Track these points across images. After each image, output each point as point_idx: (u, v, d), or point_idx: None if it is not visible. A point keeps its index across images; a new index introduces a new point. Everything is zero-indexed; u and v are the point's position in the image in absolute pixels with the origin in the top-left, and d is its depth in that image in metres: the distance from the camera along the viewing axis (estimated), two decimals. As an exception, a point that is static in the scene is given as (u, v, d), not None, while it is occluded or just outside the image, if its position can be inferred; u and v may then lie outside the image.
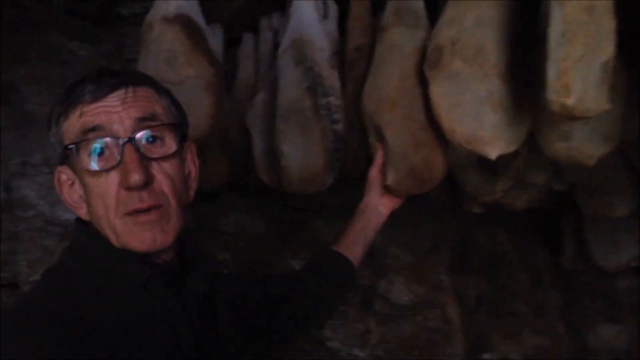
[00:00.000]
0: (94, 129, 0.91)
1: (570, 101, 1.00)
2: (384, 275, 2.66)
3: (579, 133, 1.43)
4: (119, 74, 0.96)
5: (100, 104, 0.92)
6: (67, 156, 0.94)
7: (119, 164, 0.90)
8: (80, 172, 0.94)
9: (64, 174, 0.97)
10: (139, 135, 0.92)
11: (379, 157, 1.47)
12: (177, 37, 1.46)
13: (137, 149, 0.91)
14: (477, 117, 1.27)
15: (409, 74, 1.41)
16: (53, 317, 0.87)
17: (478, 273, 2.87)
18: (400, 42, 1.42)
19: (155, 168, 0.93)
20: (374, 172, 1.49)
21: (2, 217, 1.78)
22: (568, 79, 0.99)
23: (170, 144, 0.95)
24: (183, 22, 1.47)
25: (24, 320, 0.88)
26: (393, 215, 1.73)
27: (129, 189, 0.90)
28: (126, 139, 0.91)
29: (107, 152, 0.91)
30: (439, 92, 1.32)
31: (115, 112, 0.92)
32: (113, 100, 0.92)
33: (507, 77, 1.25)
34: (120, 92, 0.93)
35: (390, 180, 1.42)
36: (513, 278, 2.99)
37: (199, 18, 1.51)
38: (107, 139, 0.91)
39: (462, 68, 1.27)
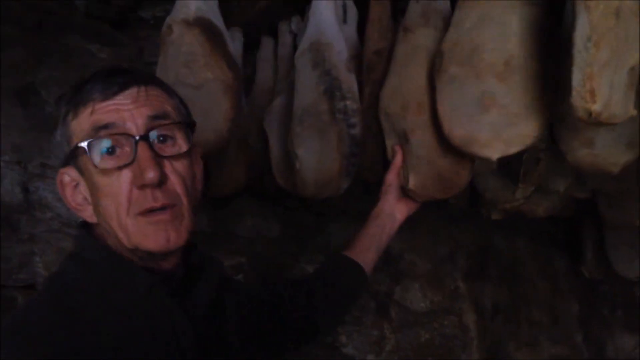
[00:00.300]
0: (105, 126, 0.90)
1: (596, 107, 0.98)
2: (400, 282, 2.64)
3: (603, 140, 1.40)
4: (128, 72, 0.95)
5: (111, 102, 0.91)
6: (75, 156, 0.93)
7: (132, 161, 0.89)
8: (89, 172, 0.92)
9: (67, 175, 0.96)
10: (152, 132, 0.91)
11: (397, 161, 1.44)
12: (197, 40, 1.45)
13: (150, 147, 0.90)
14: (473, 118, 1.25)
15: (437, 76, 1.38)
16: (53, 326, 0.86)
17: (496, 280, 2.85)
18: (427, 43, 1.40)
19: (167, 167, 0.92)
20: (391, 176, 1.46)
21: (20, 218, 1.79)
22: (594, 85, 0.96)
23: (181, 144, 0.95)
24: (202, 24, 1.46)
25: (25, 329, 0.86)
26: (410, 221, 1.71)
27: (144, 186, 0.89)
28: (139, 137, 0.90)
29: (119, 150, 0.90)
30: (440, 97, 1.31)
31: (127, 110, 0.91)
32: (125, 98, 0.91)
33: (506, 77, 1.21)
34: (131, 91, 0.92)
35: (412, 184, 1.40)
36: (531, 286, 2.96)
37: (218, 21, 1.50)
38: (120, 137, 0.91)
39: (457, 71, 1.26)
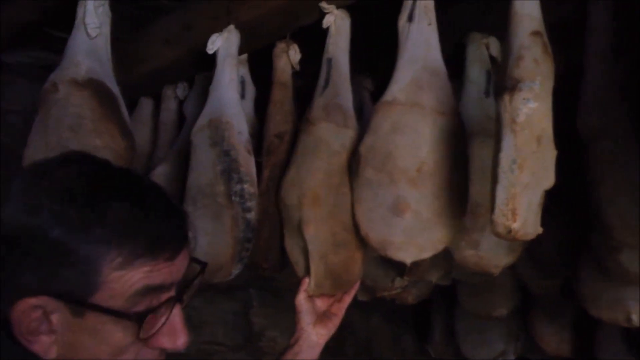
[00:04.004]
0: (157, 288, 0.76)
1: (515, 225, 1.02)
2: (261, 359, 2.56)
3: (487, 243, 1.48)
4: (176, 205, 0.81)
5: (171, 262, 0.76)
6: (92, 305, 0.73)
7: (165, 324, 0.76)
8: (98, 323, 0.74)
9: (41, 309, 0.73)
10: (186, 294, 0.81)
11: (304, 283, 1.36)
12: (86, 103, 1.30)
13: (182, 307, 0.79)
14: (388, 222, 1.26)
15: (335, 172, 1.37)
16: None
17: (352, 356, 2.87)
18: (327, 138, 1.39)
19: None
20: (300, 299, 1.37)
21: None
22: (516, 204, 1.01)
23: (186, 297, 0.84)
24: (94, 87, 1.32)
25: None
26: (274, 297, 1.64)
27: (163, 351, 0.78)
28: (177, 297, 0.78)
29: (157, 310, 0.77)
30: (356, 198, 1.32)
31: (178, 267, 0.78)
32: (183, 255, 0.79)
33: (418, 183, 1.25)
34: (185, 251, 0.79)
35: (311, 284, 1.35)
36: (383, 362, 3.04)
37: (112, 84, 1.37)
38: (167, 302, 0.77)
39: (373, 175, 1.28)
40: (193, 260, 0.83)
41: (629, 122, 1.29)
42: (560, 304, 2.12)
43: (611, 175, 1.26)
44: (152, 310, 0.74)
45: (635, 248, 1.31)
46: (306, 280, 1.37)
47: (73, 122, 1.30)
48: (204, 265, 0.85)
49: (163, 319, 0.76)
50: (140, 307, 0.74)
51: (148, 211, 0.74)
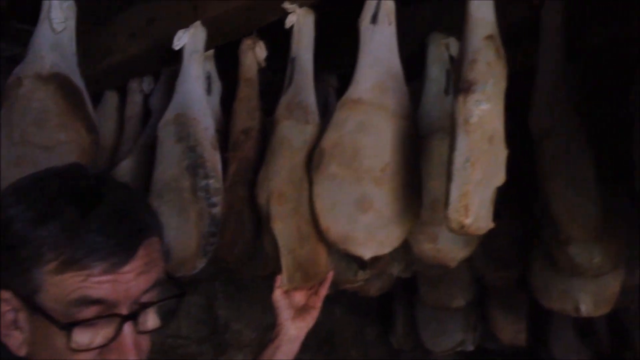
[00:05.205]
0: (95, 302, 0.74)
1: (468, 220, 1.07)
2: (225, 352, 2.58)
3: (445, 237, 1.54)
4: (134, 219, 0.77)
5: (111, 276, 0.74)
6: (37, 307, 0.74)
7: (111, 342, 0.74)
8: (48, 328, 0.74)
9: (7, 304, 0.76)
10: (142, 314, 0.77)
11: (277, 280, 1.39)
12: (51, 98, 1.31)
13: (134, 326, 0.76)
14: (351, 218, 1.31)
15: (297, 168, 1.41)
16: None
17: (315, 348, 2.91)
18: (289, 135, 1.43)
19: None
20: (276, 295, 1.39)
21: None
22: (468, 201, 1.06)
23: (155, 319, 0.80)
24: (59, 81, 1.33)
25: None
26: (239, 291, 1.64)
27: None
28: (127, 316, 0.75)
29: (100, 329, 0.75)
30: (318, 192, 1.35)
31: (124, 283, 0.75)
32: (129, 268, 0.75)
33: (382, 182, 1.30)
34: (136, 260, 0.75)
35: (284, 278, 1.39)
36: (346, 354, 3.09)
37: (77, 78, 1.37)
38: (108, 317, 0.75)
39: (338, 171, 1.31)
40: (171, 281, 0.82)
41: (578, 121, 1.36)
42: (516, 296, 2.20)
43: (559, 172, 1.32)
44: (80, 323, 0.73)
45: (583, 241, 1.38)
46: (279, 277, 1.40)
47: (37, 116, 1.30)
48: (181, 291, 0.83)
49: (106, 335, 0.75)
50: (79, 318, 0.73)
51: (92, 220, 0.73)
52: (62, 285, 0.73)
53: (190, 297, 2.45)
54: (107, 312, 0.74)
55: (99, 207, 0.75)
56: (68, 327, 0.72)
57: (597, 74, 1.56)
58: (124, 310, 0.75)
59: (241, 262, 1.60)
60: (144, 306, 0.77)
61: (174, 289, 0.82)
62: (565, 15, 1.41)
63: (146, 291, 0.77)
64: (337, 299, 2.98)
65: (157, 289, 0.79)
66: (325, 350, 2.99)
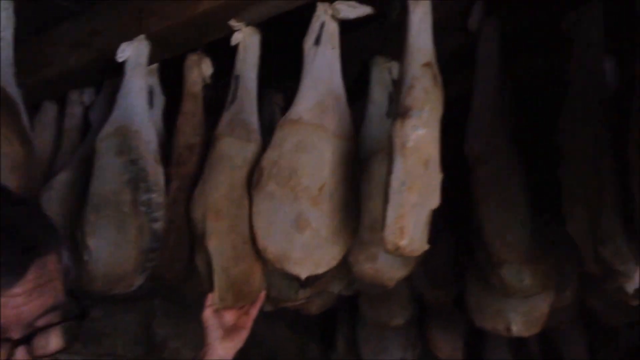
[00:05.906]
0: None
1: (403, 242, 1.10)
2: (162, 371, 2.53)
3: (384, 257, 1.56)
4: (24, 236, 0.71)
5: None
6: None
7: None
8: None
9: None
10: (41, 336, 0.71)
11: (209, 299, 1.38)
12: (-17, 109, 1.27)
13: (30, 351, 0.70)
14: (288, 237, 1.32)
15: (237, 186, 1.41)
16: None
17: (256, 366, 2.89)
18: (230, 152, 1.43)
19: None
20: (207, 314, 1.37)
21: None
22: (404, 223, 1.09)
23: (57, 341, 0.74)
24: (-7, 92, 1.29)
25: None
26: (180, 308, 1.59)
27: None
28: (20, 339, 0.69)
29: None
30: (256, 210, 1.36)
31: (14, 308, 0.69)
32: (19, 288, 0.69)
33: (319, 202, 1.31)
34: (27, 278, 0.69)
35: (216, 297, 1.37)
36: (287, 372, 3.08)
37: (12, 89, 1.34)
38: None
39: (276, 189, 1.32)
40: (73, 301, 0.76)
41: (510, 147, 1.41)
42: (453, 315, 2.25)
43: (492, 196, 1.37)
44: None
45: (514, 263, 1.43)
46: (210, 295, 1.38)
47: (-31, 127, 1.26)
48: (82, 312, 0.77)
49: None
50: None
51: None
52: None
53: (127, 314, 2.40)
54: None
55: None
56: None
57: (528, 103, 1.63)
58: (16, 335, 0.70)
59: (181, 279, 1.58)
60: (40, 330, 0.72)
61: (75, 309, 0.76)
62: (500, 45, 1.47)
63: (41, 315, 0.71)
64: (280, 316, 2.97)
65: (56, 311, 0.73)
66: (268, 368, 2.98)
